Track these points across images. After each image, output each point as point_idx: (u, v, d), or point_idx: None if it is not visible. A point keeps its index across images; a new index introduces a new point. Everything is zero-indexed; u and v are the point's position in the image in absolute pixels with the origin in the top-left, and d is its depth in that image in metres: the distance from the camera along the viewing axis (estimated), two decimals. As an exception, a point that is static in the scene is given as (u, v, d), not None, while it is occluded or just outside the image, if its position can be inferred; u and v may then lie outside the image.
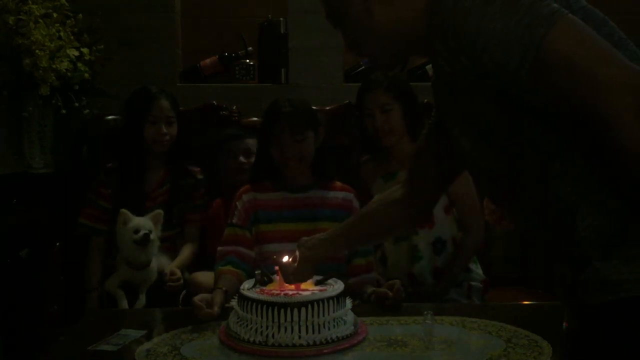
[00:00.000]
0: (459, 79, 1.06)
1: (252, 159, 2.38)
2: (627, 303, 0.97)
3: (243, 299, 1.55)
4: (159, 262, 2.30)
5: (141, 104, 2.41)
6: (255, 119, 2.74)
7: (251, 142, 2.43)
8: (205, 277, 2.22)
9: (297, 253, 1.57)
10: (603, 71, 0.91)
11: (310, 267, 1.60)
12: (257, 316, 1.49)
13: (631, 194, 0.95)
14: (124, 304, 2.15)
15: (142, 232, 2.14)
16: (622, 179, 0.95)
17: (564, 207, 1.01)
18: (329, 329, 1.49)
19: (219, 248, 2.03)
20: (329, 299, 1.51)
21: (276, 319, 1.47)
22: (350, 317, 1.58)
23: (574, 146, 1.00)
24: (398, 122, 2.26)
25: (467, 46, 1.00)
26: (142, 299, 2.18)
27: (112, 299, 2.19)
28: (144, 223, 2.18)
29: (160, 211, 2.26)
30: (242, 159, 2.42)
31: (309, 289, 1.59)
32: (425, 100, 2.43)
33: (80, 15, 2.72)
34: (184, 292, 2.18)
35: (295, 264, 1.57)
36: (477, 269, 2.31)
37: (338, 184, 2.15)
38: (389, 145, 2.30)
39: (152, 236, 2.17)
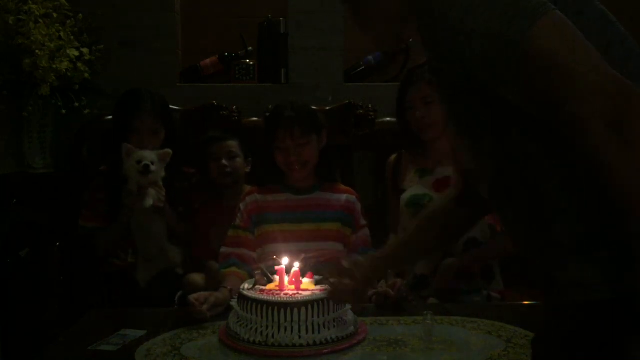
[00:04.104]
0: (448, 80, 1.05)
1: (236, 162, 2.38)
2: (593, 305, 0.97)
3: (243, 299, 1.55)
4: (170, 254, 2.32)
5: (125, 115, 2.36)
6: (255, 119, 2.74)
7: (233, 144, 2.40)
8: (200, 278, 2.22)
9: (348, 272, 1.49)
10: (580, 74, 0.91)
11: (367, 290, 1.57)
12: (257, 316, 1.49)
13: (598, 198, 0.94)
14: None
15: (143, 163, 2.23)
16: (589, 180, 0.94)
17: (545, 210, 1.02)
18: (329, 329, 1.50)
19: (222, 249, 2.04)
20: (329, 299, 1.51)
21: (276, 319, 1.47)
22: (350, 317, 1.59)
23: (552, 151, 1.00)
24: (439, 116, 2.21)
25: (451, 40, 0.99)
26: (152, 191, 2.24)
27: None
28: (147, 155, 2.25)
29: (169, 150, 2.28)
30: (224, 162, 2.36)
31: (309, 289, 1.59)
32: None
33: (80, 15, 2.72)
34: (180, 292, 2.18)
35: (345, 283, 1.48)
36: (499, 280, 2.30)
37: (341, 186, 2.18)
38: (428, 140, 2.26)
39: (153, 168, 2.24)
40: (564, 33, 0.94)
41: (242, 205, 2.09)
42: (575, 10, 0.99)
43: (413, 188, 2.28)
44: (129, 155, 2.24)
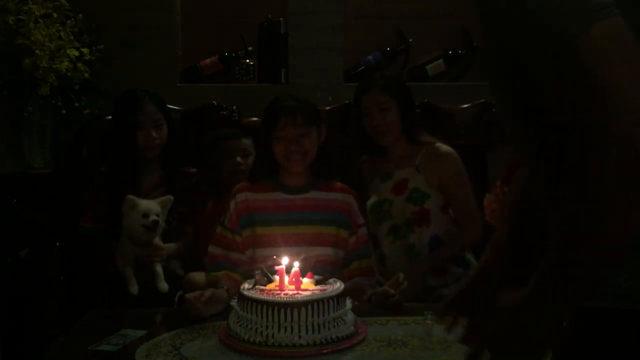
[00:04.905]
0: (503, 69, 0.99)
1: (249, 160, 2.36)
2: (606, 313, 0.93)
3: (243, 299, 1.55)
4: (169, 264, 2.30)
5: (126, 112, 2.34)
6: (255, 119, 2.73)
7: (247, 142, 2.39)
8: (201, 277, 2.22)
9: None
10: (624, 91, 0.80)
11: None
12: (257, 316, 1.49)
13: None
14: (133, 283, 2.16)
15: (151, 218, 2.13)
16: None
17: None
18: (329, 329, 1.50)
19: (210, 248, 2.02)
20: (329, 299, 1.51)
21: (276, 319, 1.47)
22: (350, 317, 1.59)
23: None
24: (395, 121, 2.26)
25: (497, 18, 0.92)
26: (160, 270, 2.18)
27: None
28: (152, 207, 2.16)
29: (170, 197, 2.22)
30: (238, 159, 2.35)
31: (309, 289, 1.59)
32: (425, 100, 2.43)
33: (80, 15, 2.72)
34: (180, 292, 2.18)
35: None
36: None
37: (337, 184, 2.09)
38: (386, 145, 2.30)
39: (160, 222, 2.16)
40: (623, 43, 0.84)
41: (231, 204, 2.02)
42: None
43: (375, 194, 2.33)
44: (132, 207, 2.14)
